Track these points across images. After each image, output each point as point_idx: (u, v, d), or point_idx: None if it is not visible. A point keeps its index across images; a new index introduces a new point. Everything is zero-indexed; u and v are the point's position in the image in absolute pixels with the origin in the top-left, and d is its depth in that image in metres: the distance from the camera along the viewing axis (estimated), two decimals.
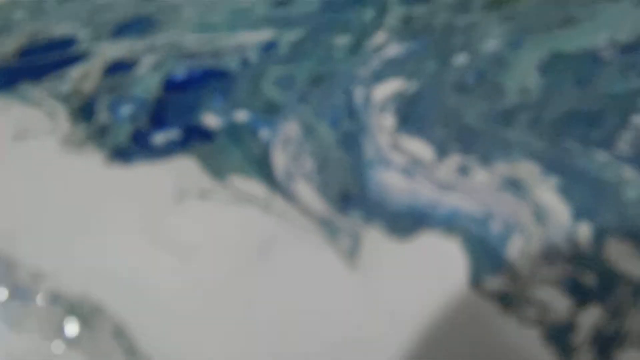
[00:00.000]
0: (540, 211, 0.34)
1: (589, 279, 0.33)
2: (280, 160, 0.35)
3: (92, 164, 0.35)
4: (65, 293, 0.33)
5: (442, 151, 0.35)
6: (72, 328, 0.33)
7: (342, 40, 0.37)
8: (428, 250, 0.34)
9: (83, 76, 0.36)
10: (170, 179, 0.35)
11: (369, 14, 0.37)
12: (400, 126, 0.35)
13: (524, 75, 0.36)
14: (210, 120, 0.35)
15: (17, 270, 0.33)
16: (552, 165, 0.35)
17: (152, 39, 0.37)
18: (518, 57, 0.36)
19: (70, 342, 0.32)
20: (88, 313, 0.33)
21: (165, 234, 0.34)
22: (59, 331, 0.33)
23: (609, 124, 0.35)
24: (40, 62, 0.37)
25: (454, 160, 0.35)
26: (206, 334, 0.32)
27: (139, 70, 0.36)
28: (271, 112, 0.36)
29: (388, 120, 0.35)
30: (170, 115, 0.36)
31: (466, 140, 0.35)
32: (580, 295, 0.33)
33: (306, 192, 0.34)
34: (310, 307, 0.33)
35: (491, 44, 0.37)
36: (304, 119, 0.35)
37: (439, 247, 0.34)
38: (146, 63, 0.36)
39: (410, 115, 0.36)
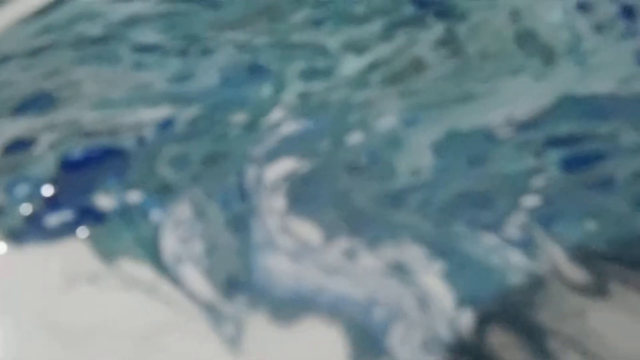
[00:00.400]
0: (423, 297, 0.34)
1: None
2: (169, 243, 0.35)
3: None
4: None
5: (330, 234, 0.35)
6: None
7: (238, 118, 0.37)
8: (310, 337, 0.34)
9: None
10: (60, 262, 0.35)
11: (267, 90, 0.37)
12: (290, 208, 0.36)
13: (417, 155, 0.36)
14: (103, 201, 0.36)
15: None
16: (438, 249, 0.35)
17: (51, 116, 0.37)
18: (412, 136, 0.37)
19: None
20: None
21: (55, 320, 0.34)
22: None
23: (499, 206, 0.35)
24: None
25: (341, 244, 0.35)
26: None
27: (37, 149, 0.37)
28: (164, 192, 0.36)
29: (278, 202, 0.36)
30: (64, 196, 0.36)
31: (354, 223, 0.35)
32: None
33: (193, 276, 0.35)
34: None
35: (387, 122, 0.37)
36: (195, 201, 0.36)
37: (321, 334, 0.34)
38: (44, 142, 0.37)
39: (301, 196, 0.36)
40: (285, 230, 0.35)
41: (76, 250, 0.35)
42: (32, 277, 0.35)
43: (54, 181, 0.36)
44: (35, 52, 0.38)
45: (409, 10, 0.39)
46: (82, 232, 0.35)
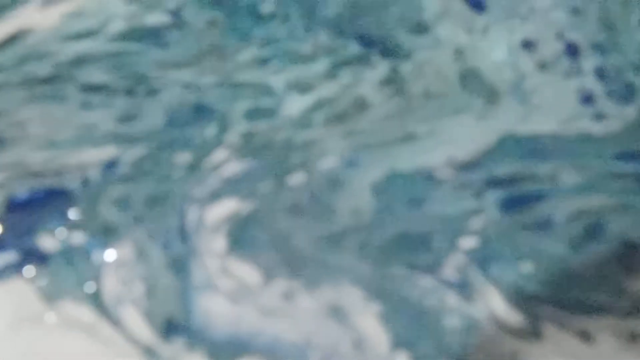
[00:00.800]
0: (359, 340, 0.34)
1: None
2: (110, 284, 0.36)
3: None
4: None
5: (269, 276, 0.35)
6: None
7: (182, 158, 0.37)
8: None
9: None
10: (3, 303, 0.35)
11: (211, 130, 0.38)
12: (230, 249, 0.36)
13: (357, 196, 0.37)
14: (47, 242, 0.36)
15: None
16: (375, 291, 0.35)
17: None
18: (353, 177, 0.37)
19: None
20: None
21: None
22: None
23: (437, 248, 0.36)
24: None
25: (280, 285, 0.35)
26: None
27: None
28: (107, 234, 0.36)
29: (219, 243, 0.36)
30: (9, 237, 0.36)
31: (293, 264, 0.36)
32: None
33: (133, 318, 0.35)
34: None
35: (328, 162, 0.37)
36: (137, 242, 0.36)
37: None
38: None
39: (241, 238, 0.36)
40: (225, 271, 0.36)
41: (19, 291, 0.35)
42: None
43: (0, 222, 0.36)
44: None
45: (354, 49, 0.39)
46: (28, 272, 0.35)
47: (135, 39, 0.40)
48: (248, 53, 0.39)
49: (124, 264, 0.36)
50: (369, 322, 0.34)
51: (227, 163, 0.37)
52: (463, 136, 0.37)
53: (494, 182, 0.37)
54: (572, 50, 0.39)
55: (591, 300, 0.35)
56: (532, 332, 0.34)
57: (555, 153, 0.37)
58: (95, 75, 0.39)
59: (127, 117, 0.38)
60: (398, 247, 0.36)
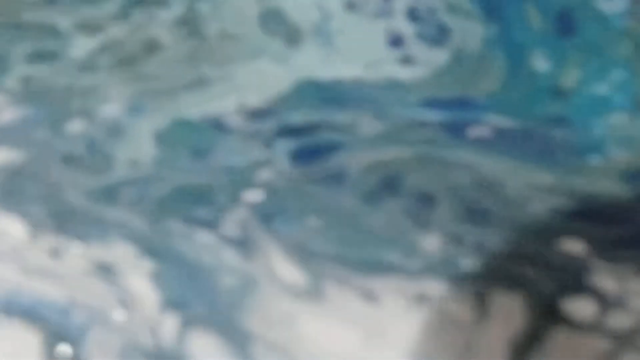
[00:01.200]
0: (127, 300, 0.32)
1: None
2: None
3: None
4: None
5: (35, 232, 0.33)
6: None
7: None
8: (7, 343, 0.32)
9: None
10: None
11: None
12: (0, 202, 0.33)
13: (138, 146, 0.34)
14: None
15: None
16: (149, 248, 0.33)
17: None
18: (136, 125, 0.34)
19: None
20: None
21: None
22: None
23: (218, 202, 0.33)
24: None
25: (47, 241, 0.33)
26: None
27: None
28: None
29: None
30: None
31: (63, 219, 0.33)
32: None
33: None
34: None
35: (110, 109, 0.34)
36: None
37: (18, 339, 0.32)
38: None
39: (11, 190, 0.33)
40: None
41: None
42: None
43: None
44: None
45: None
46: None
47: None
48: None
49: None
50: (140, 281, 0.32)
51: (2, 110, 0.34)
52: (257, 81, 0.34)
53: (286, 132, 0.34)
54: None
55: (380, 258, 0.32)
56: (313, 292, 0.32)
57: (357, 100, 0.34)
58: None
59: None
60: (177, 200, 0.33)
